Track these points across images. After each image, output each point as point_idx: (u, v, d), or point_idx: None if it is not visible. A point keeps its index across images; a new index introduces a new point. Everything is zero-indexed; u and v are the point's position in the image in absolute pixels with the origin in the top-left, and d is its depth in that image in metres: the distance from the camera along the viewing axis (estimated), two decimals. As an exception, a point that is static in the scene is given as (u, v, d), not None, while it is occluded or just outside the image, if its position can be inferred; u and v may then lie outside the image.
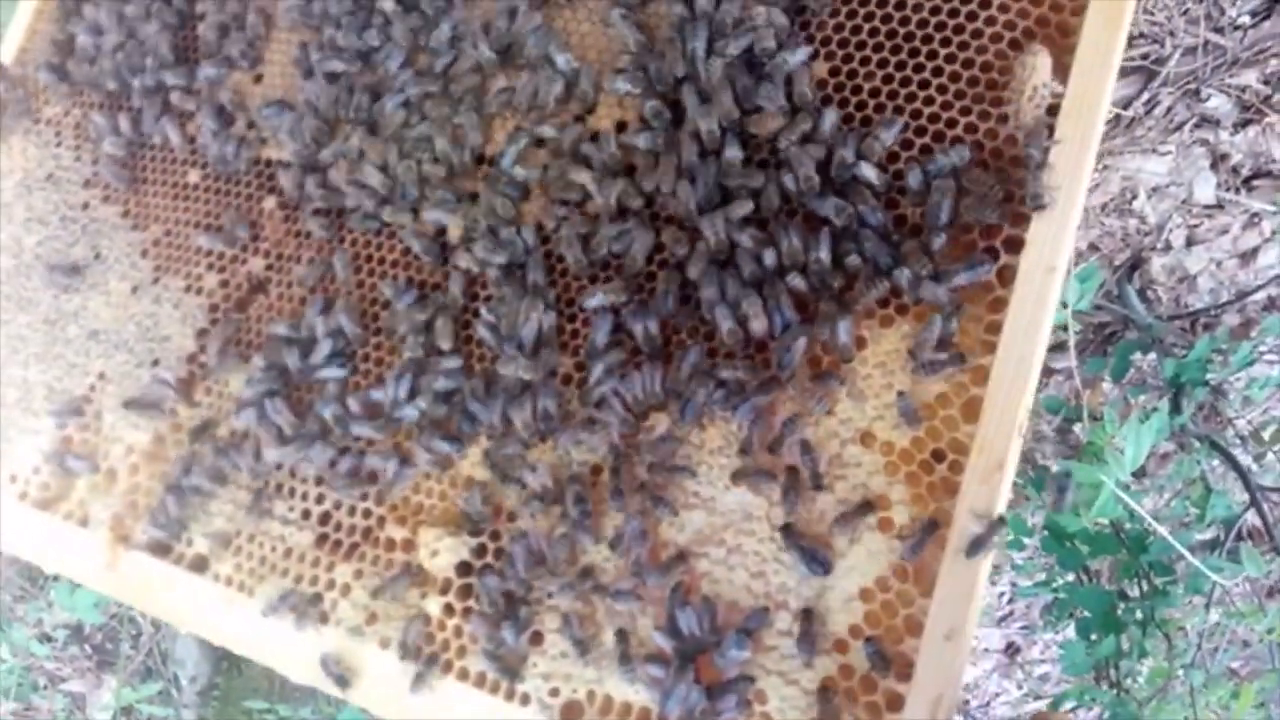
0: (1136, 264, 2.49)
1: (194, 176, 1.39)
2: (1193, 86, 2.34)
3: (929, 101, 1.01)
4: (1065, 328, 1.48)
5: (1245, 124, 2.38)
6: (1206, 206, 2.45)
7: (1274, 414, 2.61)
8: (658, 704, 0.96)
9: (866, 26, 1.05)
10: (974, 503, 0.89)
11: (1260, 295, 2.48)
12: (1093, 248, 2.48)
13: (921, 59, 1.02)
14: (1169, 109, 2.36)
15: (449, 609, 1.08)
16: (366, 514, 1.16)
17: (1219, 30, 2.28)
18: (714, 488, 1.01)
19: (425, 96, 1.22)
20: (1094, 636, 1.75)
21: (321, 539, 1.17)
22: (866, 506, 0.94)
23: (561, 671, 1.02)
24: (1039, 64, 0.95)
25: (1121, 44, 0.95)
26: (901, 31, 1.03)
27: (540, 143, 1.16)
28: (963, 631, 0.87)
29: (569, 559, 1.04)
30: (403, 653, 1.07)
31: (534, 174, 1.15)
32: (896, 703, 0.88)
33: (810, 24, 1.07)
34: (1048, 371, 2.54)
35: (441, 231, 1.21)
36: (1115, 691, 1.82)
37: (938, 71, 1.01)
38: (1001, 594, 2.86)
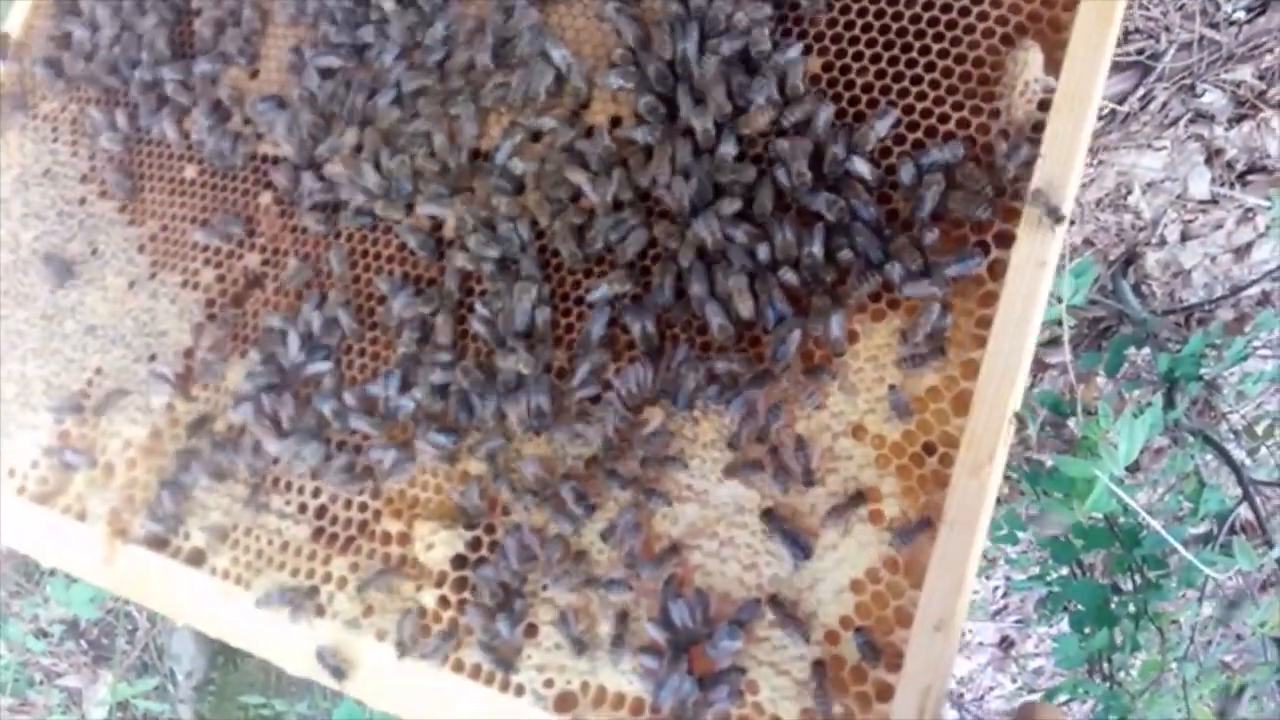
0: (1131, 259, 2.50)
1: (190, 172, 1.39)
2: (1188, 82, 2.34)
3: (921, 97, 1.01)
4: (1060, 323, 1.49)
5: (1240, 119, 2.39)
6: (1201, 201, 2.46)
7: (1267, 409, 2.62)
8: (651, 694, 0.97)
9: (859, 22, 1.05)
10: (964, 495, 0.90)
11: (1254, 290, 2.49)
12: (1087, 243, 2.49)
13: (914, 54, 1.02)
14: (1164, 104, 2.37)
15: (444, 601, 1.09)
16: (362, 508, 1.17)
17: (1214, 26, 2.29)
18: (707, 481, 1.02)
19: (419, 92, 1.23)
20: (1087, 630, 1.77)
21: (318, 532, 1.18)
22: (858, 499, 0.95)
23: (556, 663, 1.03)
24: (1031, 59, 0.96)
25: (1113, 39, 0.95)
26: (894, 27, 1.04)
27: (535, 137, 1.17)
28: (952, 623, 0.88)
29: (562, 558, 1.04)
30: (401, 651, 1.07)
31: (529, 167, 1.15)
32: (886, 693, 0.89)
33: (803, 19, 1.07)
34: (1043, 366, 2.54)
35: (437, 226, 1.21)
36: (1108, 685, 1.83)
37: (930, 67, 1.01)
38: (996, 588, 2.87)
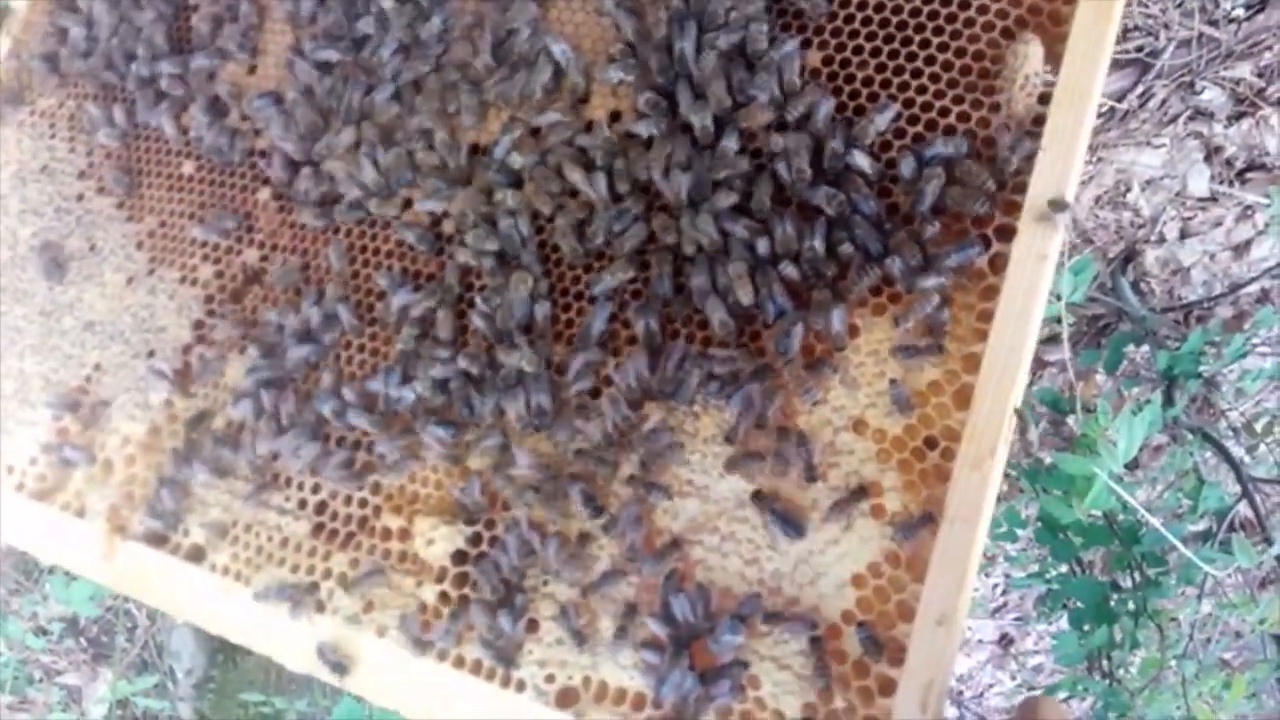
0: (1130, 256, 2.50)
1: (189, 168, 1.39)
2: (1187, 79, 2.35)
3: (921, 90, 1.01)
4: (1059, 320, 1.49)
5: (1239, 117, 2.39)
6: (1200, 199, 2.46)
7: (1266, 406, 2.62)
8: (652, 689, 0.97)
9: (859, 15, 1.05)
10: (965, 490, 0.90)
11: (1253, 288, 2.50)
12: (1087, 240, 2.49)
13: (914, 48, 1.02)
14: (1163, 102, 2.37)
15: (444, 597, 1.09)
16: (363, 504, 1.16)
17: (1213, 23, 2.29)
18: (708, 476, 1.02)
19: (417, 84, 1.22)
20: (1087, 627, 1.76)
21: (318, 528, 1.18)
22: (859, 493, 0.95)
23: (557, 658, 1.03)
24: (1031, 53, 0.95)
25: (1113, 32, 0.95)
26: (894, 20, 1.04)
27: (535, 132, 1.16)
28: (954, 617, 0.88)
29: (565, 558, 1.04)
30: (419, 649, 1.07)
31: (528, 161, 1.15)
32: (889, 687, 0.89)
33: (803, 14, 1.07)
34: (1042, 364, 2.54)
35: (437, 221, 1.21)
36: (1108, 682, 1.83)
37: (930, 60, 1.01)
38: (995, 585, 2.87)
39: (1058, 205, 0.91)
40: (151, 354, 1.33)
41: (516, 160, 1.15)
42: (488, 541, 1.09)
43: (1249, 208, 2.46)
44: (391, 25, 1.25)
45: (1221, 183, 2.44)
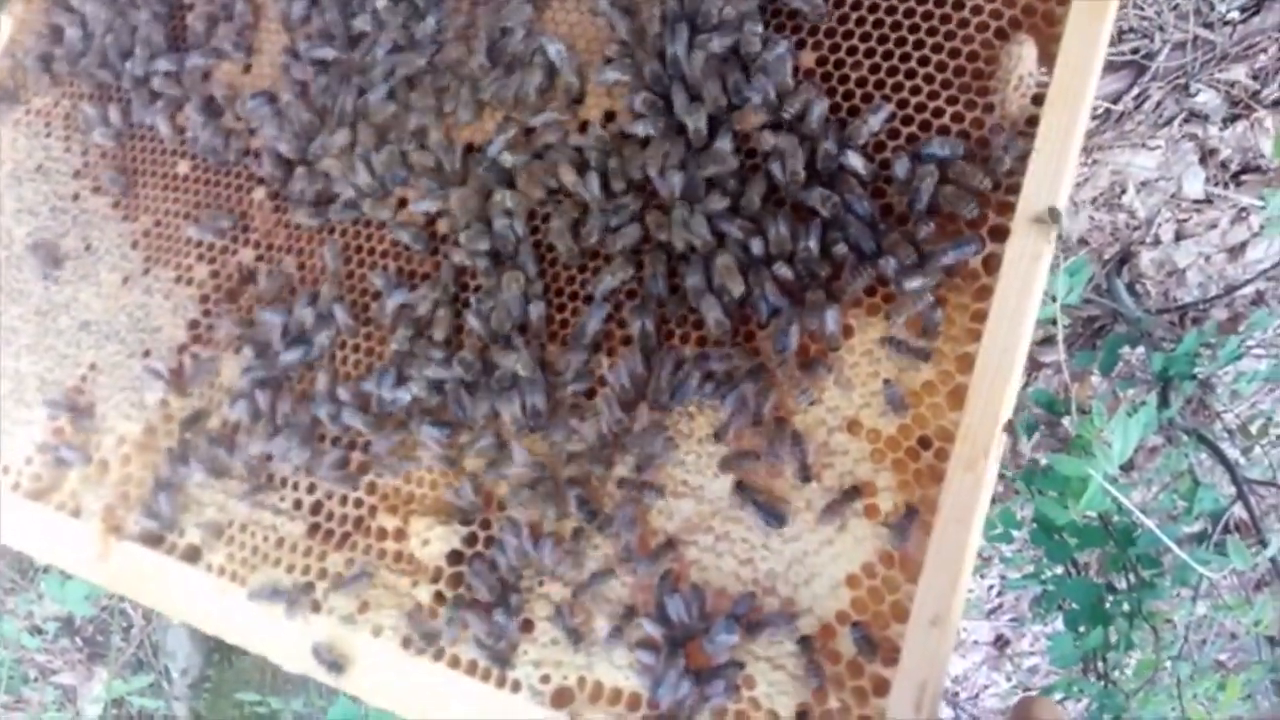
0: (1125, 258, 2.50)
1: (184, 167, 1.39)
2: (1182, 81, 2.35)
3: (915, 91, 1.01)
4: (1054, 321, 1.49)
5: (1234, 119, 2.39)
6: (1195, 201, 2.47)
7: (1261, 408, 2.63)
8: (648, 689, 0.97)
9: (854, 16, 1.05)
10: (959, 490, 0.90)
11: (1248, 289, 2.50)
12: (1082, 242, 2.50)
13: (908, 49, 1.02)
14: (1158, 104, 2.38)
15: (440, 597, 1.09)
16: (358, 504, 1.16)
17: (1208, 25, 2.30)
18: (702, 476, 1.02)
19: (411, 82, 1.22)
20: (1082, 629, 1.77)
21: (313, 529, 1.18)
22: (853, 493, 0.95)
23: (552, 658, 1.03)
24: (1025, 53, 0.96)
25: (1107, 33, 0.95)
26: (889, 21, 1.04)
27: (529, 132, 1.16)
28: (948, 618, 0.88)
29: (561, 556, 1.04)
30: (414, 649, 1.07)
31: (521, 161, 1.15)
32: (883, 687, 0.89)
33: (798, 14, 1.07)
34: (1037, 365, 2.55)
35: (431, 221, 1.21)
36: (1103, 683, 1.83)
37: (924, 61, 1.01)
38: (990, 587, 2.87)
39: (1052, 215, 0.91)
40: (147, 354, 1.33)
41: (508, 160, 1.15)
42: (483, 542, 1.09)
43: (1244, 210, 2.46)
44: (386, 25, 1.25)
45: (1216, 185, 2.45)
